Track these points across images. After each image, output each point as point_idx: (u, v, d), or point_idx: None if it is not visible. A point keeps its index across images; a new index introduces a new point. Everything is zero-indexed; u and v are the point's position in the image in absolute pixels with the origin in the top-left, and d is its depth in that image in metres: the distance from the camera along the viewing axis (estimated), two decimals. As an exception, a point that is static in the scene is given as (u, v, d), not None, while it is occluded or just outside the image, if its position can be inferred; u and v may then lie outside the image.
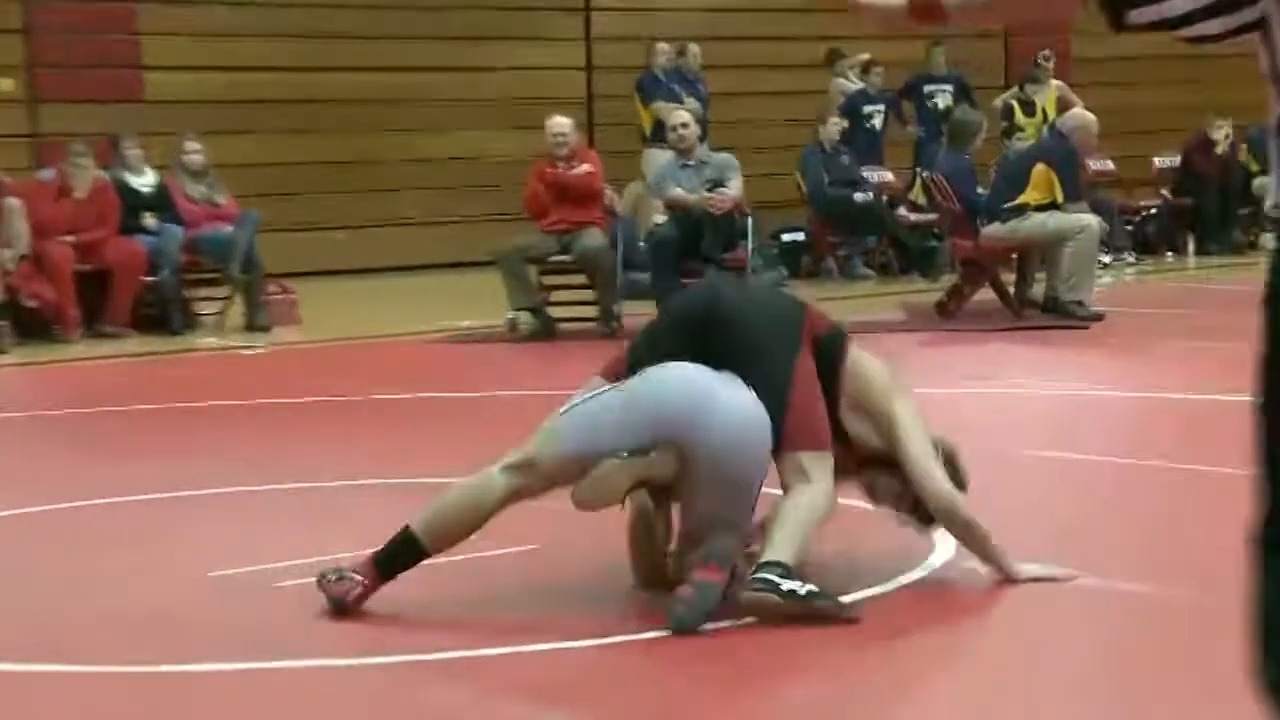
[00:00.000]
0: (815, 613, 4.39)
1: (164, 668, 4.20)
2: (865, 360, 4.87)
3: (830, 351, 4.81)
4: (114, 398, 9.03)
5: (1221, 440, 7.04)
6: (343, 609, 4.58)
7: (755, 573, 4.43)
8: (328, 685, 4.08)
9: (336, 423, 8.17)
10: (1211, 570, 4.86)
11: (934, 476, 4.76)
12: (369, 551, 4.65)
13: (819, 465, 4.64)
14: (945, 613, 4.70)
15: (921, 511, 4.90)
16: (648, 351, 4.73)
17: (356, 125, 15.95)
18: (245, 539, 5.57)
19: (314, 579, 4.71)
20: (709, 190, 11.41)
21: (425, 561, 4.68)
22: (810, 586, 4.40)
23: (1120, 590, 4.70)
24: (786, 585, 4.38)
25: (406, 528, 4.63)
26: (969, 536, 4.81)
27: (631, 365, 4.71)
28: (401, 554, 4.61)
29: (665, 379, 4.57)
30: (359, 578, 4.61)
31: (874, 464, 4.87)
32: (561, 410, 4.64)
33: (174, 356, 10.93)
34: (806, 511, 4.57)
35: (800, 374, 4.69)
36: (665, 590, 4.58)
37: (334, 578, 4.63)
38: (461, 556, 4.94)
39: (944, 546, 5.04)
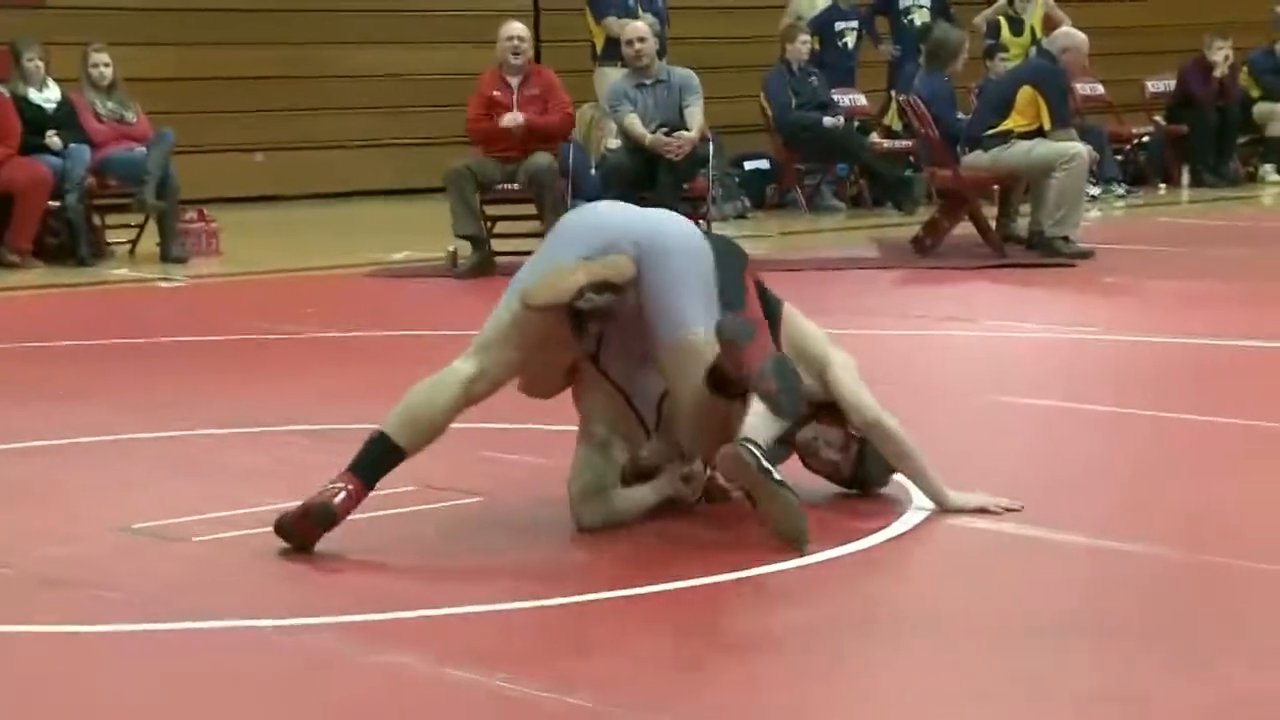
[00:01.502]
0: (775, 503, 4.61)
1: (74, 628, 4.20)
2: (800, 316, 5.23)
3: (768, 303, 5.14)
4: (14, 333, 8.99)
5: (1216, 388, 7.12)
6: (329, 518, 4.63)
7: (741, 440, 4.62)
8: (258, 648, 4.09)
9: (259, 364, 8.17)
10: (1198, 527, 4.95)
11: (866, 401, 5.05)
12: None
13: None
14: (921, 570, 4.75)
15: (862, 469, 5.15)
16: None
17: (281, 37, 15.86)
18: (158, 489, 5.57)
19: (252, 531, 4.75)
20: (666, 133, 11.38)
21: (359, 516, 4.73)
22: (784, 479, 4.63)
23: (1103, 548, 4.76)
24: (766, 463, 4.60)
25: (377, 431, 4.75)
26: (902, 461, 5.06)
27: None
28: (379, 457, 4.74)
29: (586, 208, 5.12)
30: (341, 484, 4.67)
31: (810, 416, 5.11)
32: None
33: (81, 289, 10.89)
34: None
35: (749, 291, 5.00)
36: (611, 529, 4.84)
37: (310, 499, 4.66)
38: (398, 510, 4.97)
39: (920, 503, 5.09)
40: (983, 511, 4.98)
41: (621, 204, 5.14)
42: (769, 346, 4.70)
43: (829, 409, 5.15)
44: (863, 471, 5.17)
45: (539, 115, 11.34)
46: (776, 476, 4.63)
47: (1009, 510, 4.99)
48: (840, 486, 5.23)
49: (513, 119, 11.16)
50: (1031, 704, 3.68)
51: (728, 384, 4.64)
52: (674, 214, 5.10)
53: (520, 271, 4.91)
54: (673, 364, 4.75)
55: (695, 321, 4.72)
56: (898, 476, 5.20)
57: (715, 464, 4.88)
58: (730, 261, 5.01)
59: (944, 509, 5.00)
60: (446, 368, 4.83)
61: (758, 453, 4.59)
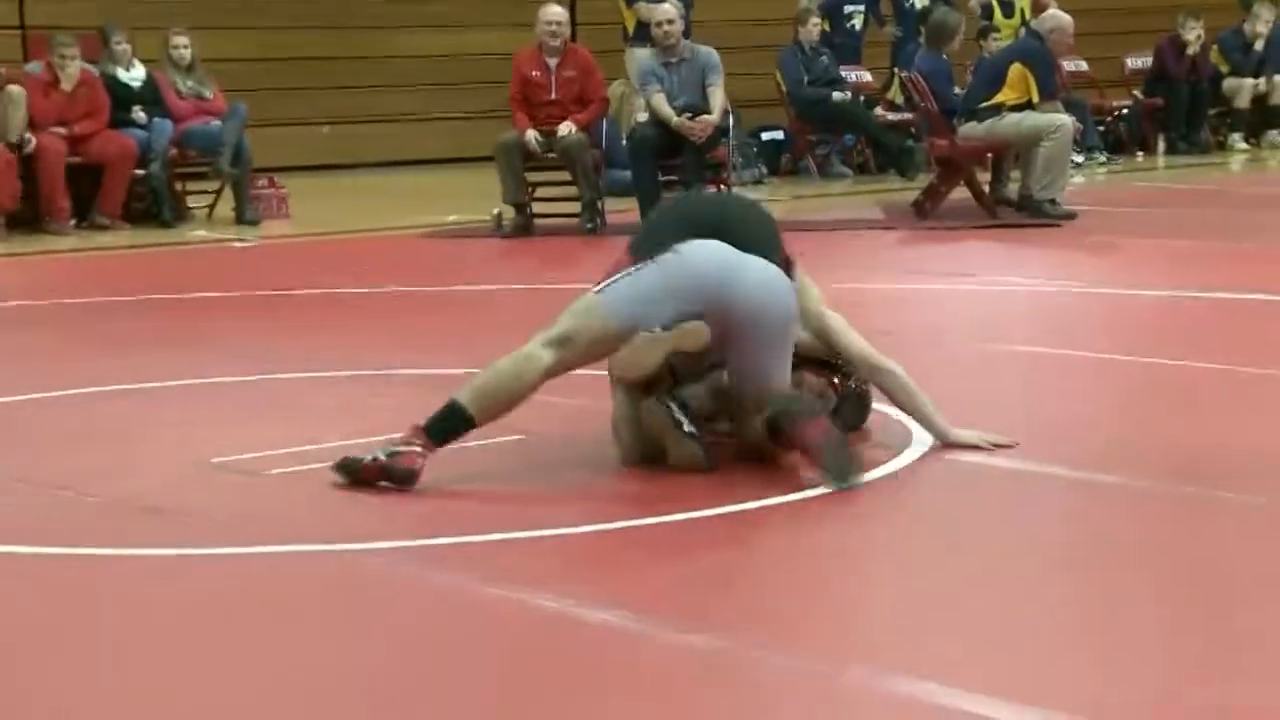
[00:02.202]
0: (681, 457, 4.74)
1: (161, 551, 4.20)
2: (804, 274, 5.19)
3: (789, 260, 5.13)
4: (104, 288, 9.00)
5: (1188, 334, 7.07)
6: (410, 479, 4.63)
7: (673, 394, 4.76)
8: (323, 570, 4.09)
9: (324, 315, 8.15)
10: (1179, 461, 4.91)
11: (870, 351, 5.06)
12: (407, 428, 4.71)
13: None
14: (922, 500, 4.72)
15: (843, 412, 5.13)
16: (659, 240, 4.91)
17: (344, 21, 15.81)
18: (236, 428, 5.56)
19: (322, 465, 4.75)
20: (690, 118, 11.28)
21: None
22: (694, 431, 4.74)
23: (1091, 481, 4.73)
24: (686, 423, 4.73)
25: (453, 400, 4.73)
26: (905, 397, 5.05)
27: (643, 253, 4.89)
28: (452, 423, 4.73)
29: (698, 250, 4.81)
30: (418, 446, 4.67)
31: (801, 366, 5.10)
32: (596, 289, 4.83)
33: (164, 249, 10.89)
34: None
35: (781, 252, 4.98)
36: (655, 462, 4.83)
37: (384, 456, 4.65)
38: (451, 447, 4.94)
39: (919, 440, 5.06)
40: (976, 448, 4.96)
41: (712, 247, 4.80)
42: (825, 426, 4.66)
43: (815, 362, 5.15)
44: (844, 414, 5.14)
45: (575, 99, 11.27)
46: (687, 429, 4.71)
47: (1000, 446, 4.97)
48: None
49: (532, 138, 11.06)
50: (1011, 624, 3.66)
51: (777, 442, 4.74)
52: (769, 264, 4.81)
53: (618, 283, 4.79)
54: (750, 399, 4.80)
55: (776, 380, 4.78)
56: (899, 416, 5.18)
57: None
58: (774, 235, 5.03)
59: (946, 444, 4.99)
60: (527, 353, 4.73)
61: (677, 408, 4.72)
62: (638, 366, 4.74)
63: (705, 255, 4.79)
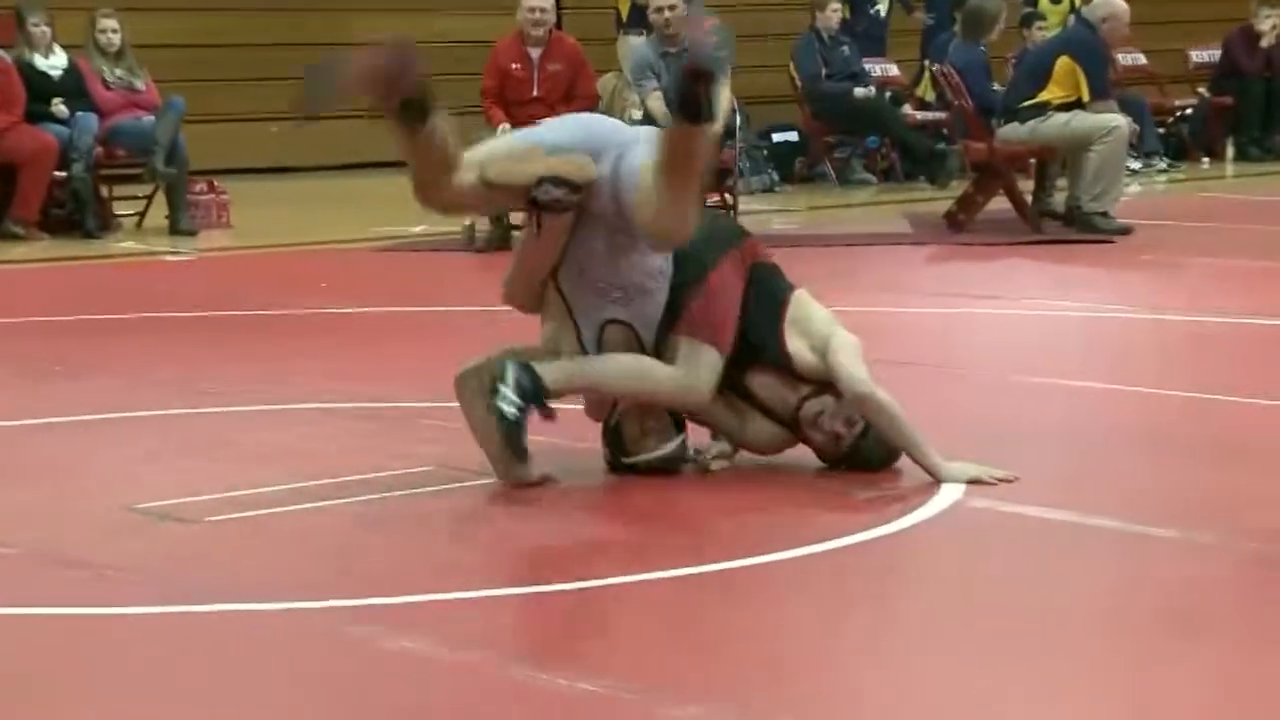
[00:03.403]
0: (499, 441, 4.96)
1: (88, 610, 4.23)
2: (809, 300, 5.40)
3: (777, 278, 5.38)
4: (18, 308, 9.02)
5: (1256, 369, 7.11)
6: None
7: (520, 368, 4.98)
8: (263, 631, 4.11)
9: (270, 340, 8.18)
10: (1236, 514, 4.94)
11: (859, 374, 5.20)
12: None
13: (696, 357, 5.17)
14: (947, 555, 4.76)
15: (864, 447, 5.26)
16: None
17: (295, 2, 15.86)
18: (168, 469, 5.59)
19: (259, 512, 4.80)
20: None
21: (374, 495, 4.74)
22: (514, 419, 4.95)
23: (1134, 533, 4.75)
24: (508, 403, 4.94)
25: None
26: (895, 432, 5.19)
27: None
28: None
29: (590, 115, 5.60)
30: None
31: (821, 391, 5.25)
32: None
33: (88, 262, 10.91)
34: (629, 367, 5.15)
35: (724, 267, 5.25)
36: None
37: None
38: (415, 491, 4.98)
39: (947, 491, 5.11)
40: (978, 482, 5.09)
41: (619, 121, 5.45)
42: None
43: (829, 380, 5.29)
44: (864, 450, 5.27)
45: (560, 97, 11.31)
46: (509, 414, 4.93)
47: (1002, 480, 5.11)
48: (827, 462, 5.33)
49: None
50: (1044, 702, 3.69)
51: (692, 94, 4.81)
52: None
53: (517, 131, 5.29)
54: (635, 189, 4.98)
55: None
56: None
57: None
58: (720, 232, 5.36)
59: (938, 480, 5.11)
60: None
61: (510, 388, 4.94)
62: (512, 173, 5.06)
63: (590, 115, 5.62)
